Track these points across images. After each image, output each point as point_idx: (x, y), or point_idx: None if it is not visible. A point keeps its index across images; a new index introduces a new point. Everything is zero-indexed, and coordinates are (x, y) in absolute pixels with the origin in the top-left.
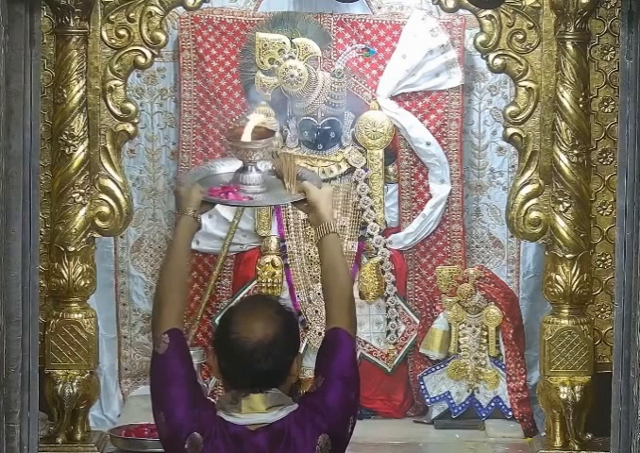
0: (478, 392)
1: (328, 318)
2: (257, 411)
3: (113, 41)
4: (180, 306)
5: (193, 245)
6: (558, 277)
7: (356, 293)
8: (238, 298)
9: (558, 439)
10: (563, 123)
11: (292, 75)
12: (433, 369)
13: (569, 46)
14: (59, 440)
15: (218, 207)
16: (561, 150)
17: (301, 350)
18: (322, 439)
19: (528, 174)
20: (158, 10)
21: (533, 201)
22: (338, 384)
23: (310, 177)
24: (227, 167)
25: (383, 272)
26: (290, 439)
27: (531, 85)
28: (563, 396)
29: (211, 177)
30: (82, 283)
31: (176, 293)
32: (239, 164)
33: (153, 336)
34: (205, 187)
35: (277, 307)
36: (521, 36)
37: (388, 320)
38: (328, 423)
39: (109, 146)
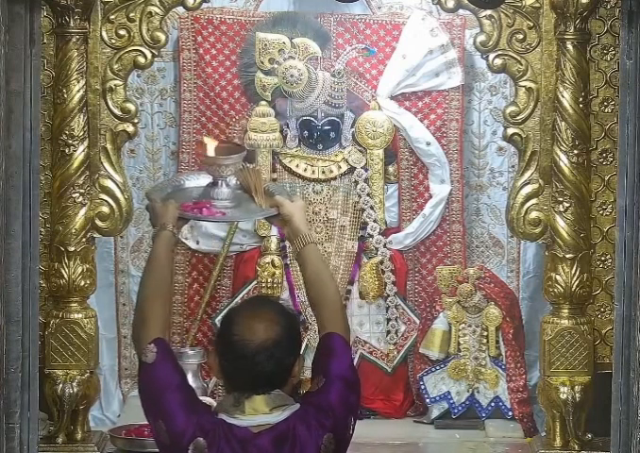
0: (478, 392)
1: (320, 325)
2: (260, 413)
3: (113, 41)
4: (164, 318)
5: (193, 245)
6: (558, 277)
7: (356, 294)
8: (238, 298)
9: (558, 439)
10: (563, 123)
11: (292, 75)
12: (433, 369)
13: (569, 46)
14: (59, 440)
15: None
16: (561, 150)
17: (301, 350)
18: (327, 438)
19: (528, 174)
20: (158, 10)
21: (533, 201)
22: (339, 384)
23: (279, 191)
24: (194, 181)
25: (383, 272)
26: (295, 438)
27: (531, 85)
28: (563, 396)
29: (180, 192)
30: (82, 283)
31: (160, 305)
32: (206, 179)
33: (137, 348)
34: (177, 202)
35: (280, 308)
36: (521, 36)
37: (388, 320)
38: (332, 422)
39: (109, 146)
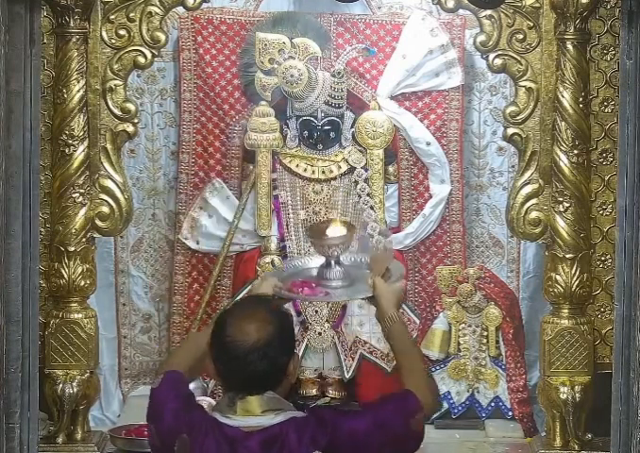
0: (478, 392)
1: (404, 385)
2: (252, 414)
3: (113, 41)
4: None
5: (193, 245)
6: (558, 277)
7: None
8: (238, 298)
9: (558, 439)
10: (563, 123)
11: (292, 75)
12: (433, 369)
13: (569, 46)
14: (59, 440)
15: (218, 205)
16: (561, 150)
17: (301, 350)
18: None
19: (528, 174)
20: (158, 10)
21: (533, 201)
22: (367, 421)
23: (394, 271)
24: (315, 261)
25: None
26: (284, 444)
27: (531, 85)
28: (563, 396)
29: (302, 271)
30: (82, 283)
31: (193, 361)
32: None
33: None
34: (288, 281)
35: (271, 307)
36: (521, 36)
37: None
38: (327, 441)
39: (109, 146)
